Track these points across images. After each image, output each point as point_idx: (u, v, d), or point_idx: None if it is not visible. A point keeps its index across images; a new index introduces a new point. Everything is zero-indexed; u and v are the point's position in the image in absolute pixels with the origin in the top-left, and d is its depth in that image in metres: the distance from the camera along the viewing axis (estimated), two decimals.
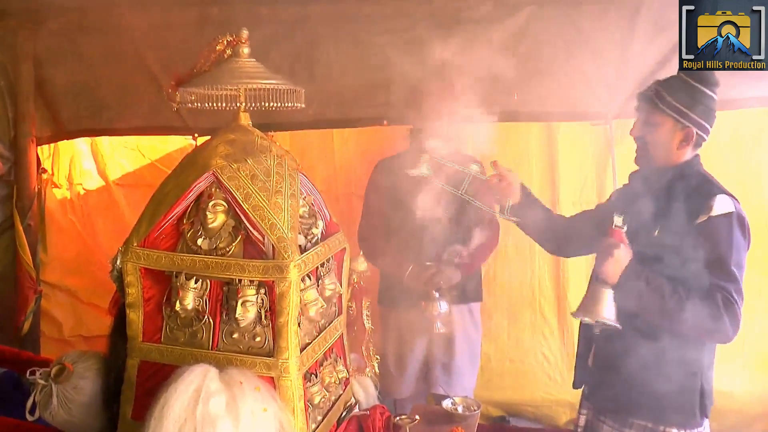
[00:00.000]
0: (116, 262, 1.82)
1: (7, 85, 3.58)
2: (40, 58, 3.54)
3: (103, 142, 3.93)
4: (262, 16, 3.20)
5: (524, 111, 3.30)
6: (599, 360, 2.18)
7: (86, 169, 3.98)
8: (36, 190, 3.69)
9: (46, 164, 3.85)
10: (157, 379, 1.73)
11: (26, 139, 3.61)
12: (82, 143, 3.92)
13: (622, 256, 1.92)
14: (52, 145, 3.85)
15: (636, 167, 2.22)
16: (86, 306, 4.02)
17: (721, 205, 1.93)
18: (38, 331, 3.79)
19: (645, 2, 3.04)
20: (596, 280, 2.01)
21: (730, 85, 3.02)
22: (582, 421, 2.25)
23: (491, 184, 2.33)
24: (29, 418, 1.88)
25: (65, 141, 3.83)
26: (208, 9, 3.23)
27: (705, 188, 1.99)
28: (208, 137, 3.40)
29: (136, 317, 1.81)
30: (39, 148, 3.72)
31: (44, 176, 3.81)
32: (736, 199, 1.99)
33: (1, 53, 3.51)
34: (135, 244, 1.80)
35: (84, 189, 3.98)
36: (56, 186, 3.94)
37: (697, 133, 2.02)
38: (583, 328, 2.28)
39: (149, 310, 1.82)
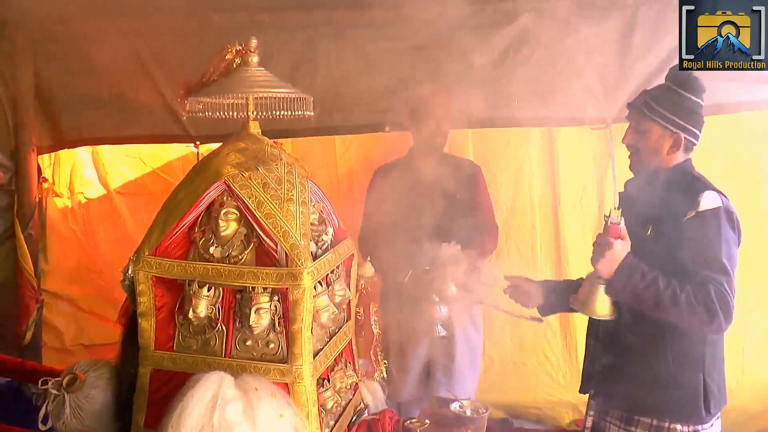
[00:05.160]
0: (127, 271, 1.83)
1: (7, 94, 3.57)
2: (40, 66, 3.55)
3: (104, 150, 3.93)
4: (264, 24, 3.22)
5: (524, 116, 3.32)
6: (602, 359, 2.21)
7: (87, 177, 3.97)
8: (37, 199, 3.69)
9: (47, 173, 3.84)
10: (170, 387, 1.75)
11: (27, 148, 3.61)
12: (83, 152, 3.91)
13: (618, 251, 1.97)
14: (53, 154, 3.83)
15: (631, 175, 2.28)
16: (87, 315, 4.01)
17: (708, 201, 1.98)
18: (40, 341, 3.78)
19: (643, 8, 3.09)
20: (592, 274, 2.06)
21: (728, 89, 3.09)
22: (589, 422, 2.28)
23: (508, 294, 2.39)
24: (41, 428, 1.88)
25: (66, 150, 3.82)
26: (209, 16, 3.24)
27: (693, 186, 2.04)
28: (210, 145, 3.49)
29: (148, 326, 1.82)
30: (39, 157, 3.71)
31: (45, 185, 3.81)
32: (725, 195, 2.04)
33: (1, 62, 3.51)
34: (146, 253, 1.80)
35: (85, 198, 3.97)
36: (57, 195, 3.93)
37: (685, 138, 2.09)
38: (590, 332, 2.31)
39: (161, 319, 1.83)
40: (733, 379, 3.44)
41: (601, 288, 2.01)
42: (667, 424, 2.07)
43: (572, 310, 2.21)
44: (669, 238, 1.99)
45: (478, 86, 3.24)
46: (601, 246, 2.00)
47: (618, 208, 2.00)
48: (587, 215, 3.58)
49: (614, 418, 2.19)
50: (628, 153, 2.22)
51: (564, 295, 2.29)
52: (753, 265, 3.32)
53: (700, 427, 2.07)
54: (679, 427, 2.06)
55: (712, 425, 2.10)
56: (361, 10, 3.21)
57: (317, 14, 3.25)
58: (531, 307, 2.37)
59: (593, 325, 2.28)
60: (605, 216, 2.00)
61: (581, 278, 2.31)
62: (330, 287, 1.90)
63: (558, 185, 3.61)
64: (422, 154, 3.17)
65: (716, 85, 2.96)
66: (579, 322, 3.46)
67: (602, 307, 2.03)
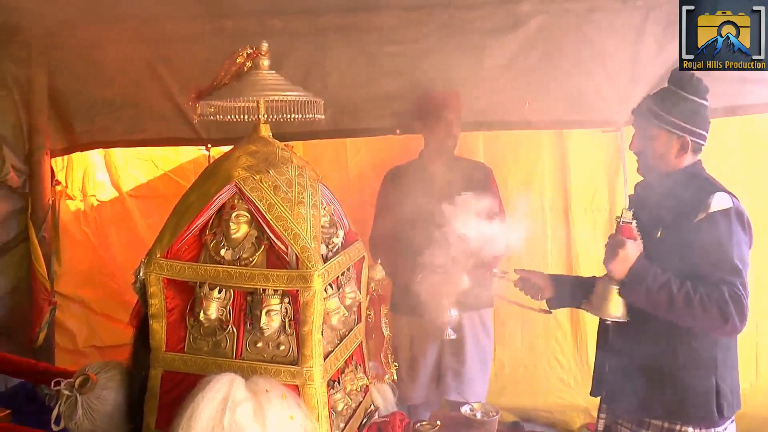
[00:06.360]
0: (139, 273, 1.84)
1: (21, 98, 3.61)
2: (54, 71, 3.58)
3: (117, 153, 3.95)
4: (275, 28, 3.23)
5: (535, 119, 3.31)
6: (614, 361, 2.20)
7: (100, 180, 3.99)
8: (50, 202, 3.72)
9: (60, 176, 3.86)
10: (181, 388, 1.76)
11: (40, 151, 3.64)
12: (95, 155, 3.93)
13: (630, 252, 1.97)
14: (66, 157, 3.85)
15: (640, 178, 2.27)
16: (100, 317, 4.02)
17: (718, 202, 1.97)
18: (52, 342, 3.81)
19: (654, 11, 3.07)
20: (605, 276, 2.05)
21: (740, 91, 3.06)
22: (601, 425, 2.27)
23: (518, 287, 2.40)
24: (54, 428, 1.90)
25: (79, 153, 3.83)
26: (221, 21, 3.26)
27: (703, 188, 2.03)
28: (221, 148, 3.51)
29: (159, 327, 1.83)
30: (53, 160, 3.74)
31: (58, 188, 3.83)
32: (736, 197, 2.03)
33: (15, 67, 3.54)
34: (158, 255, 1.82)
35: (97, 200, 3.99)
36: (70, 198, 3.95)
37: (692, 140, 2.08)
38: (601, 335, 2.30)
39: (172, 321, 1.84)
40: (747, 383, 3.39)
41: (615, 289, 2.02)
42: (678, 427, 2.06)
43: (580, 307, 2.21)
44: (680, 240, 1.98)
45: (489, 89, 3.24)
46: (613, 246, 2.00)
47: (629, 209, 2.00)
48: (598, 218, 3.57)
49: (626, 421, 2.18)
50: (637, 158, 2.21)
51: (573, 291, 2.30)
52: (767, 267, 3.29)
53: (713, 431, 2.06)
54: (690, 430, 2.05)
55: (725, 429, 2.08)
56: (370, 14, 3.21)
57: (327, 19, 3.25)
58: (541, 300, 2.37)
59: (603, 327, 2.27)
60: (617, 217, 2.00)
61: (593, 276, 2.31)
62: (340, 289, 1.91)
63: (569, 188, 3.59)
64: (433, 157, 3.17)
65: (728, 88, 2.95)
66: (590, 325, 3.44)
67: (616, 308, 2.04)
